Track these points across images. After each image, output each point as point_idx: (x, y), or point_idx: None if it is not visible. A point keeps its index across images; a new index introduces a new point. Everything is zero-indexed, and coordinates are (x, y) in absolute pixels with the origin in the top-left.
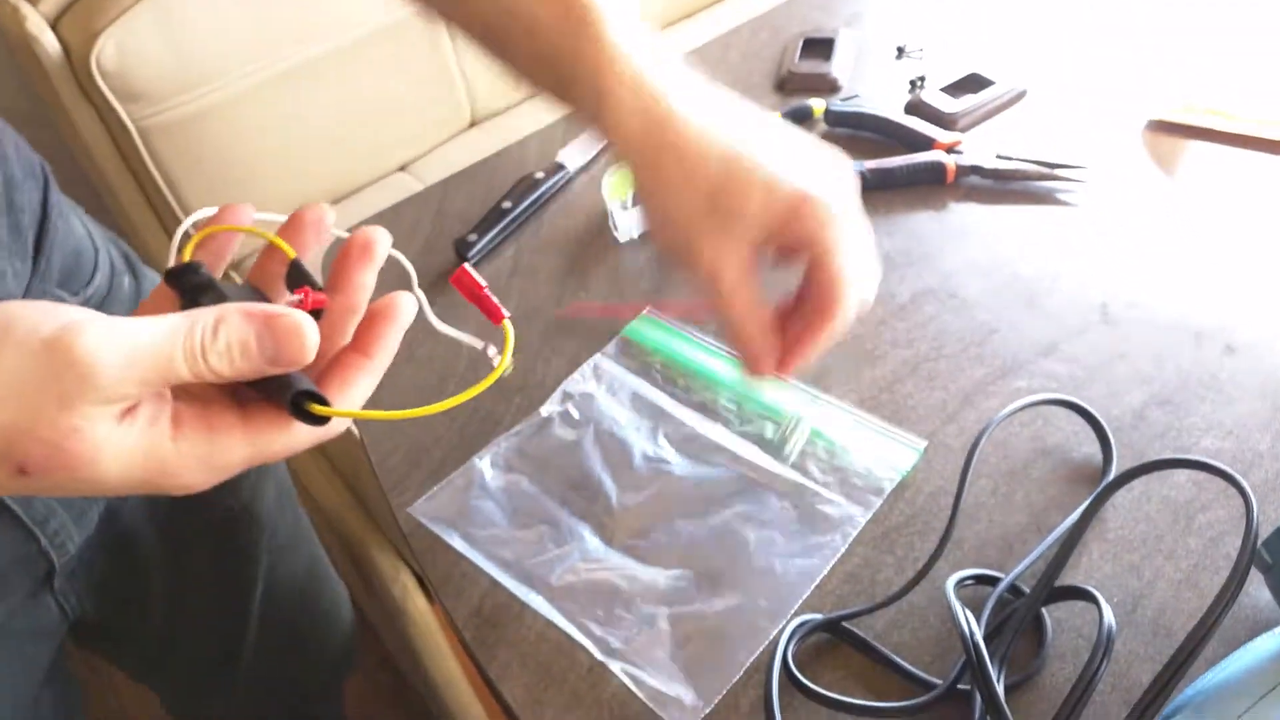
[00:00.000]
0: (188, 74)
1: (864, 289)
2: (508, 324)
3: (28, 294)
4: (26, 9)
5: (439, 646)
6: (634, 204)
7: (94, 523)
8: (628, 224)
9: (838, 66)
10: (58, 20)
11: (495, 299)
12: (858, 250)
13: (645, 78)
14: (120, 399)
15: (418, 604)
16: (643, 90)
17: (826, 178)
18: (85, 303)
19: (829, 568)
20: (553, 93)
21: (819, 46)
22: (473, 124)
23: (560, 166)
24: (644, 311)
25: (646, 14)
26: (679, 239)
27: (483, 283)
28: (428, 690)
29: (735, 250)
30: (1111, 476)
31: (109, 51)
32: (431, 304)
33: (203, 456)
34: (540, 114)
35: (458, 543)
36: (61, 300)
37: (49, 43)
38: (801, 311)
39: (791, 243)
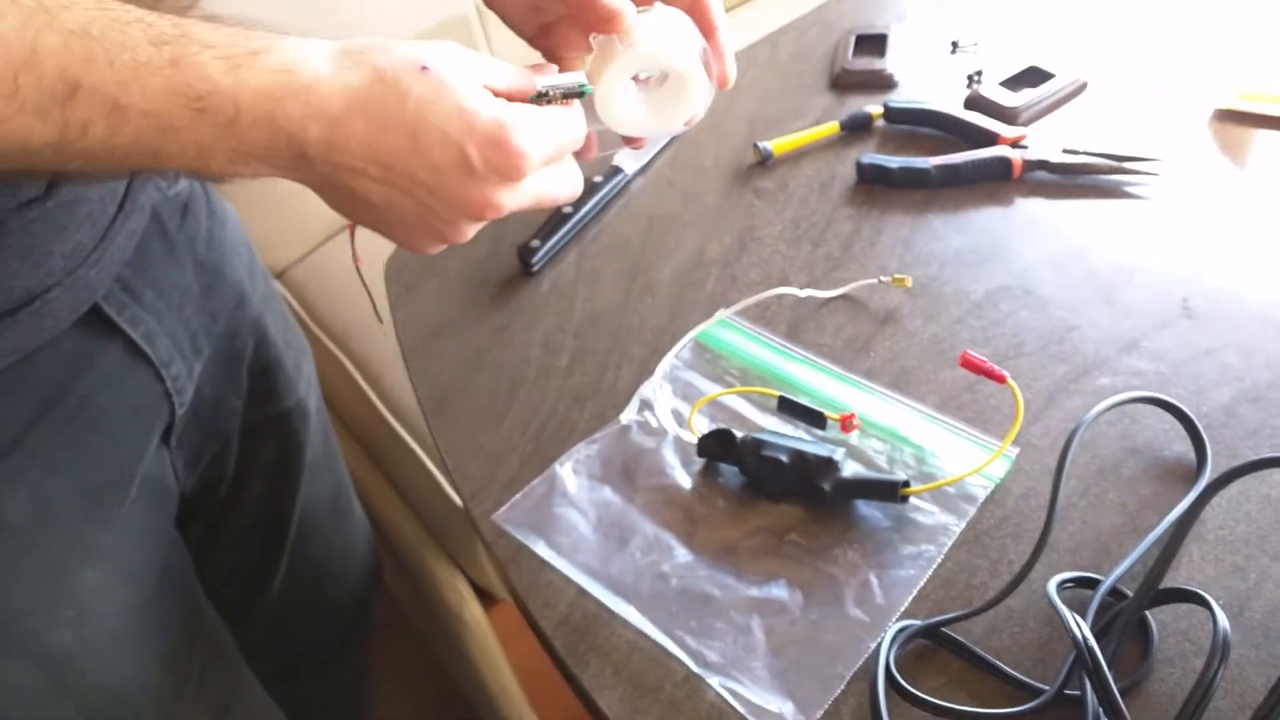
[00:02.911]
0: None
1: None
2: (1012, 383)
3: (131, 185)
4: None
5: (494, 654)
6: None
7: (196, 380)
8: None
9: (892, 63)
10: None
11: (997, 368)
12: None
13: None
14: (481, 70)
15: (473, 611)
16: None
17: None
18: (176, 197)
19: (926, 578)
20: None
21: (871, 43)
22: None
23: (618, 170)
24: (718, 315)
25: None
26: None
27: (984, 360)
28: (479, 698)
29: None
30: (1208, 476)
31: None
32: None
33: (536, 116)
34: None
35: (543, 551)
36: (162, 193)
37: None
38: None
39: None
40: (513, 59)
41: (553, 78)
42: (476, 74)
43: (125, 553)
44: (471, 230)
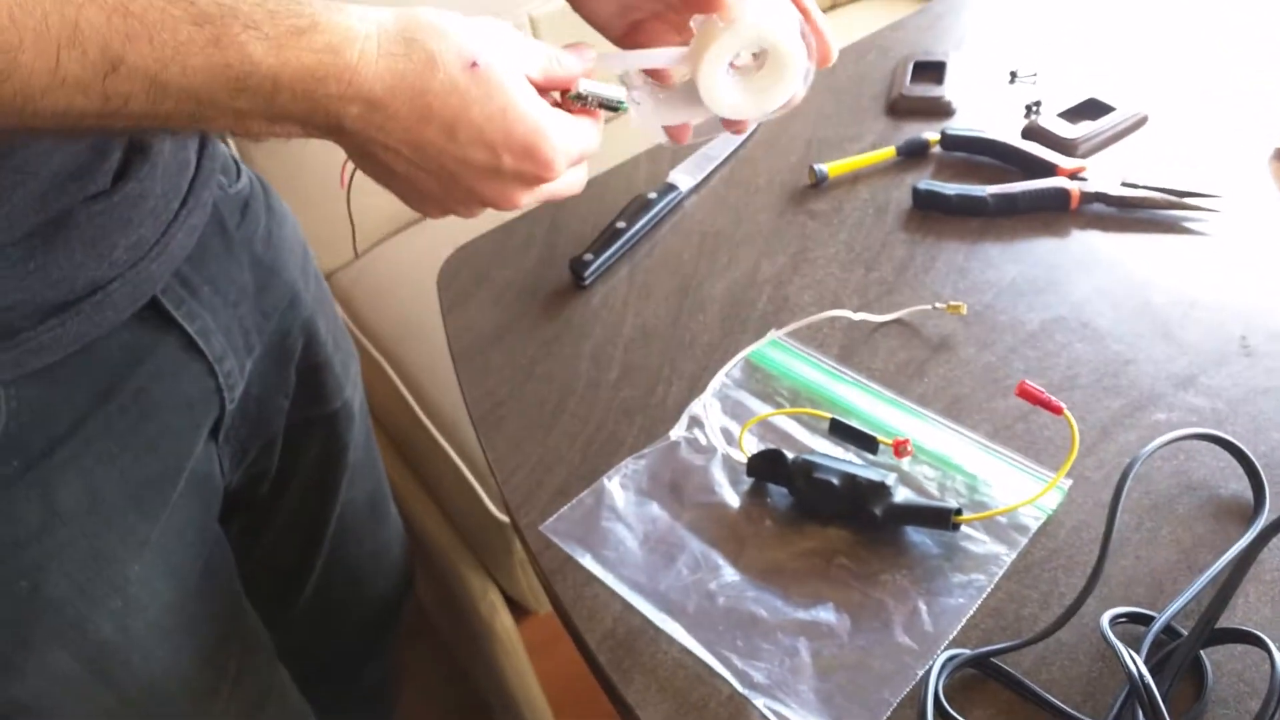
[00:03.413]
0: None
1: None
2: (1068, 414)
3: (194, 182)
4: None
5: (523, 667)
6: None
7: (247, 376)
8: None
9: (950, 90)
10: None
11: (1054, 399)
12: None
13: None
14: (526, 60)
15: (504, 622)
16: None
17: None
18: (237, 195)
19: (975, 607)
20: None
21: (930, 70)
22: None
23: (672, 186)
24: (771, 335)
25: None
26: None
27: (1041, 390)
28: (504, 710)
29: None
30: (1266, 516)
31: None
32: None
33: (570, 128)
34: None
35: (589, 564)
36: (223, 190)
37: None
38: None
39: None
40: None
41: (596, 84)
42: (522, 65)
43: (171, 546)
44: (480, 211)
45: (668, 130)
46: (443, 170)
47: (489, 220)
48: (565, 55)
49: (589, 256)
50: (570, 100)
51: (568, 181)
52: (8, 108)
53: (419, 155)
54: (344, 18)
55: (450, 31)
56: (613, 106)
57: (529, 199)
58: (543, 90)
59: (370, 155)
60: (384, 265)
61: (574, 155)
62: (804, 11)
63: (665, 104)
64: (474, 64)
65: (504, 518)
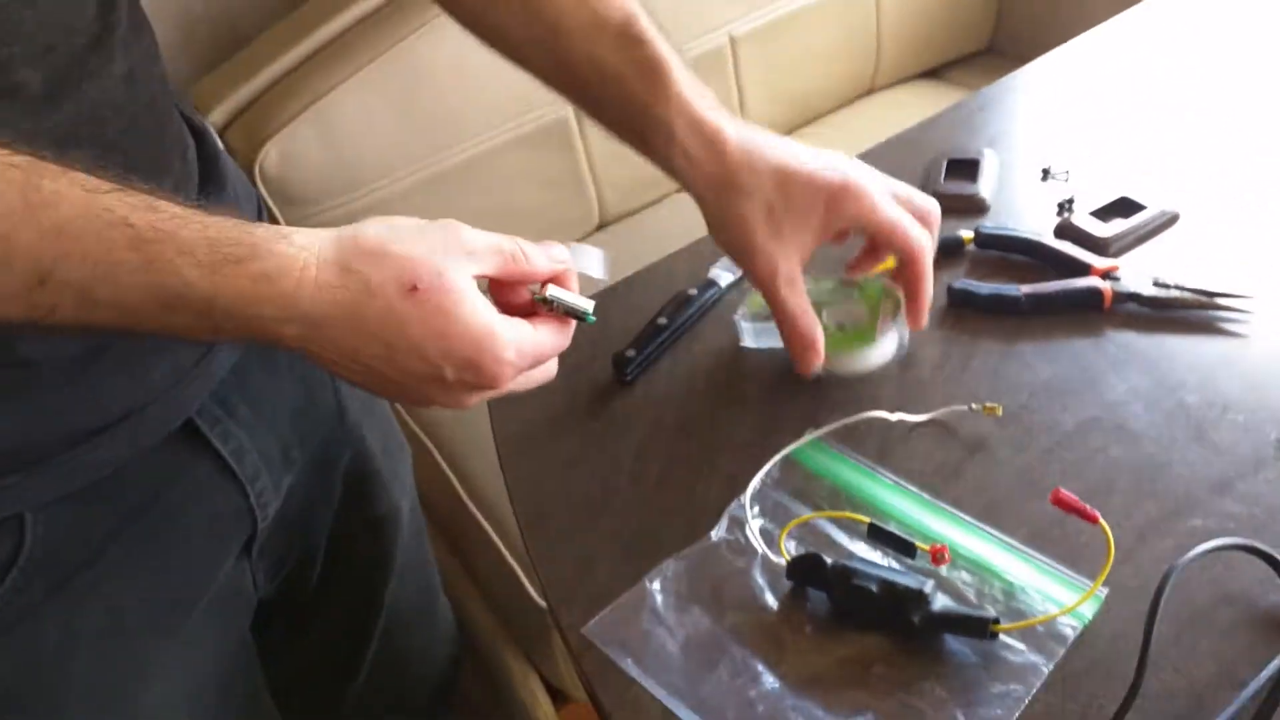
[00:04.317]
0: (340, 180)
1: (919, 232)
2: (1104, 523)
3: None
4: (199, 116)
5: None
6: (758, 318)
7: (284, 492)
8: (750, 332)
9: (984, 187)
10: (226, 128)
11: (1090, 508)
12: (896, 209)
13: (706, 118)
14: (478, 262)
15: (545, 711)
16: (705, 128)
17: (859, 170)
18: None
19: (1014, 719)
20: (624, 133)
21: (963, 167)
22: (601, 225)
23: (712, 283)
24: (809, 435)
25: (767, 121)
26: (742, 242)
27: (1076, 499)
28: None
29: (786, 259)
30: None
31: (272, 158)
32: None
33: (524, 337)
34: (665, 217)
35: (630, 667)
36: None
37: None
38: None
39: (842, 227)
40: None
41: (564, 293)
42: (470, 269)
43: (192, 667)
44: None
45: (797, 362)
46: (386, 378)
47: None
48: (533, 250)
49: (631, 353)
50: (538, 302)
51: (529, 378)
52: None
53: (361, 367)
54: (284, 245)
55: (391, 254)
56: (579, 316)
57: (483, 398)
58: (500, 285)
59: (316, 360)
60: None
61: (529, 360)
62: (917, 283)
63: (764, 333)
64: (414, 288)
65: (544, 604)
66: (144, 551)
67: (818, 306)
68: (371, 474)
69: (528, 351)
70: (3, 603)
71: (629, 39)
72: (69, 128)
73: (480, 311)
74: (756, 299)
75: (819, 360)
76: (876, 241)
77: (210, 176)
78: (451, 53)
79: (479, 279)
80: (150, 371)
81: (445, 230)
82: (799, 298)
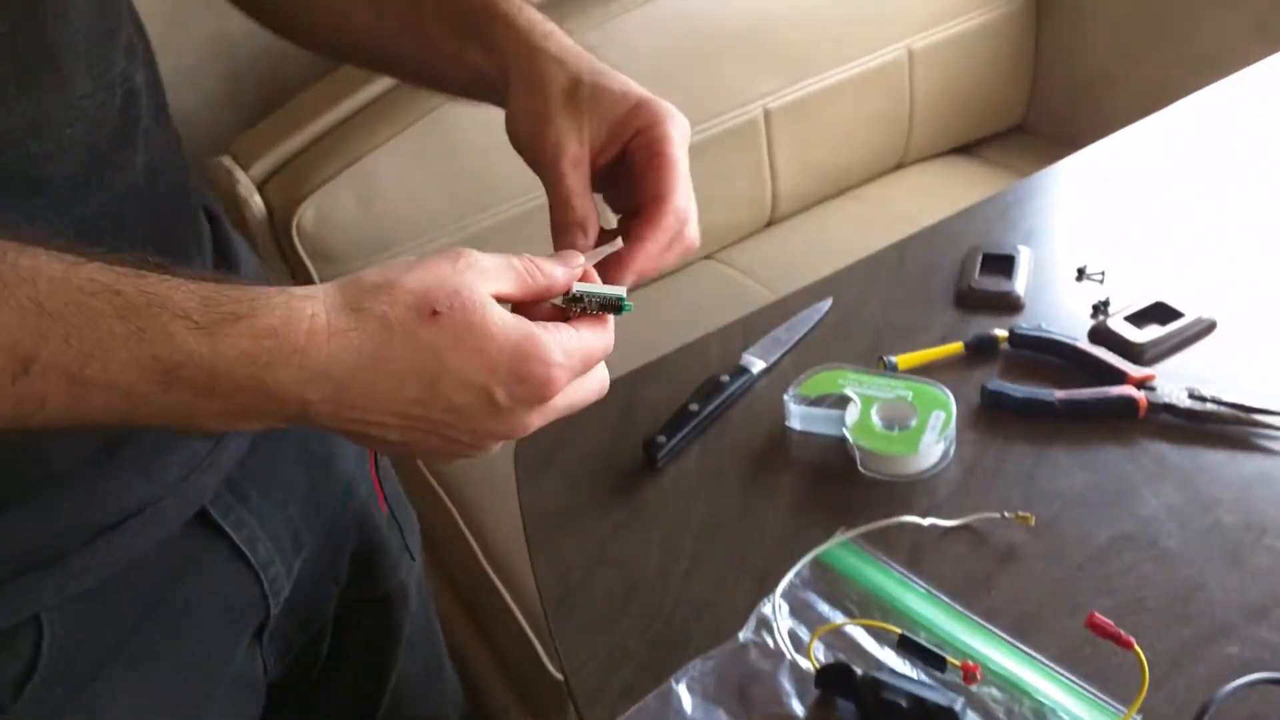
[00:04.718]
0: (376, 240)
1: (688, 192)
2: (1139, 650)
3: None
4: (239, 173)
5: None
6: (808, 401)
7: (295, 577)
8: (798, 415)
9: (1018, 284)
10: (264, 184)
11: (1125, 634)
12: (684, 157)
13: (535, 27)
14: (492, 280)
15: None
16: (533, 29)
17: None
18: None
19: None
20: (451, 52)
21: (999, 263)
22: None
23: (744, 370)
24: (840, 536)
25: (798, 192)
26: (535, 127)
27: (1111, 623)
28: None
29: (578, 139)
30: None
31: (309, 215)
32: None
33: (567, 337)
34: (688, 286)
35: None
36: None
37: (256, 205)
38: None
39: (632, 136)
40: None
41: (591, 286)
42: (489, 288)
43: None
44: (497, 446)
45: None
46: (438, 425)
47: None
48: (545, 263)
49: (661, 439)
50: (569, 305)
51: (585, 389)
52: None
53: (407, 420)
54: (285, 298)
55: (399, 284)
56: (614, 306)
57: (545, 417)
58: (525, 304)
59: (356, 434)
60: None
61: (578, 362)
62: (649, 232)
63: (812, 418)
64: (434, 313)
65: (559, 675)
66: (161, 645)
67: (867, 401)
68: (379, 550)
69: (574, 351)
70: (26, 712)
71: None
72: (93, 220)
73: (510, 320)
74: (810, 382)
75: (587, 244)
76: (645, 170)
77: (224, 260)
78: (488, 119)
79: (499, 298)
80: (165, 467)
81: (450, 254)
82: (582, 182)
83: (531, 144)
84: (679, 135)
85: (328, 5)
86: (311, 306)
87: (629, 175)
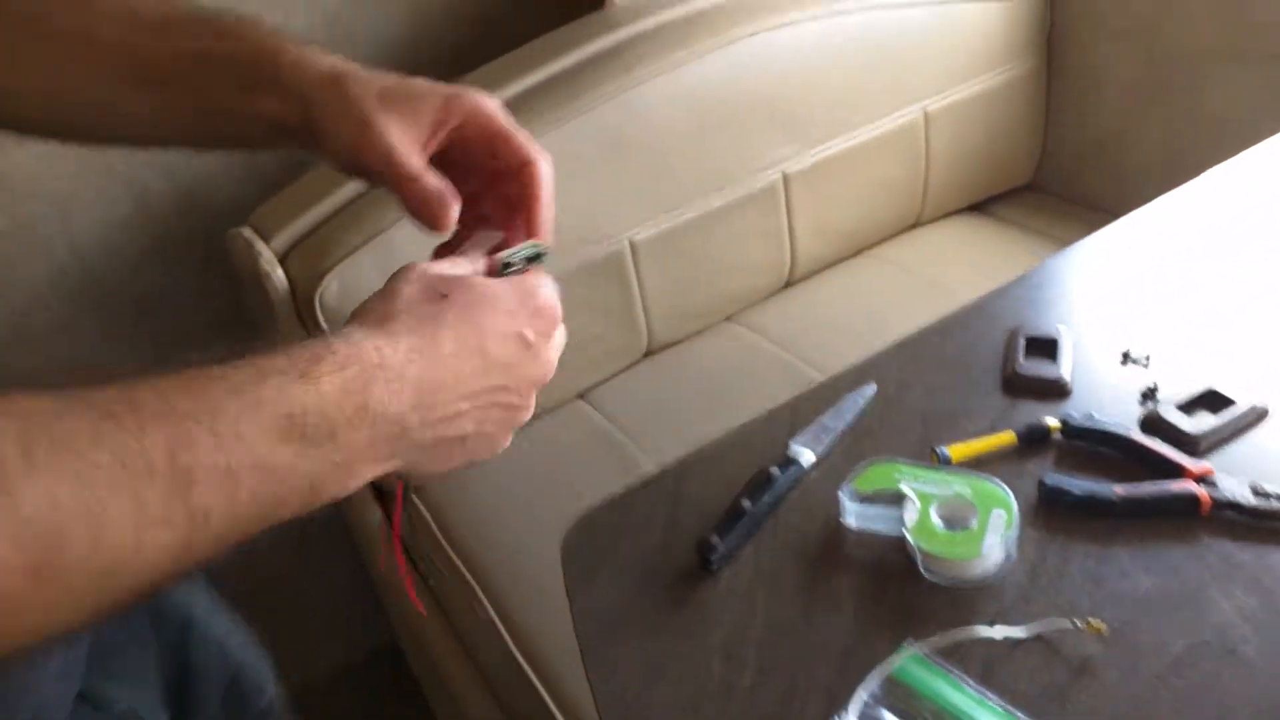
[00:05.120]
0: None
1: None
2: None
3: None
4: (260, 245)
5: None
6: (864, 499)
7: None
8: (854, 512)
9: (1064, 368)
10: (286, 257)
11: None
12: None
13: (325, 60)
14: (449, 268)
15: None
16: (322, 63)
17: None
18: None
19: None
20: (234, 107)
21: (1042, 345)
22: (648, 354)
23: (792, 460)
24: (908, 648)
25: (815, 254)
26: (357, 135)
27: None
28: None
29: (403, 132)
30: None
31: (333, 289)
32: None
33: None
34: (714, 343)
35: None
36: None
37: (279, 279)
38: (505, 194)
39: (457, 126)
40: None
41: (511, 250)
42: (453, 271)
43: None
44: (529, 408)
45: (430, 225)
46: (496, 392)
47: (558, 436)
48: (467, 250)
49: (715, 540)
50: (502, 273)
51: (561, 332)
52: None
53: (476, 400)
54: (338, 339)
55: (398, 296)
56: (539, 257)
57: (555, 350)
58: None
59: (442, 441)
60: (477, 476)
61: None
62: (536, 193)
63: (869, 516)
64: (443, 296)
65: None
66: None
67: (925, 499)
68: (240, 669)
69: (541, 283)
70: None
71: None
72: None
73: (496, 280)
74: (864, 477)
75: (452, 217)
76: (492, 148)
77: None
78: None
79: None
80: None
81: (400, 273)
82: (423, 162)
83: (359, 152)
84: (504, 113)
85: (89, 92)
86: (354, 335)
87: (464, 160)
